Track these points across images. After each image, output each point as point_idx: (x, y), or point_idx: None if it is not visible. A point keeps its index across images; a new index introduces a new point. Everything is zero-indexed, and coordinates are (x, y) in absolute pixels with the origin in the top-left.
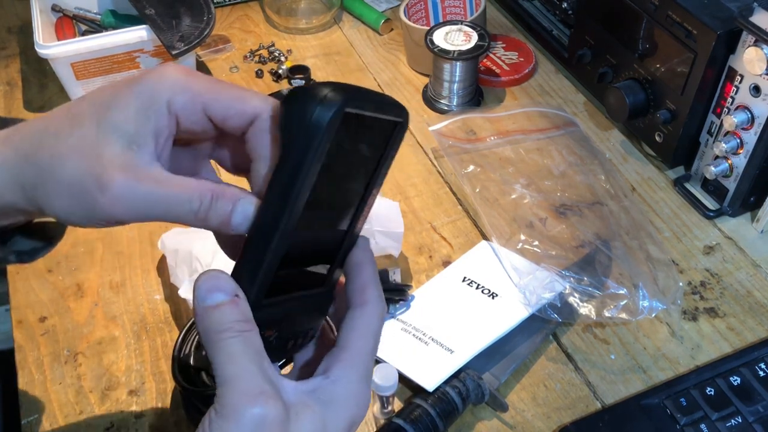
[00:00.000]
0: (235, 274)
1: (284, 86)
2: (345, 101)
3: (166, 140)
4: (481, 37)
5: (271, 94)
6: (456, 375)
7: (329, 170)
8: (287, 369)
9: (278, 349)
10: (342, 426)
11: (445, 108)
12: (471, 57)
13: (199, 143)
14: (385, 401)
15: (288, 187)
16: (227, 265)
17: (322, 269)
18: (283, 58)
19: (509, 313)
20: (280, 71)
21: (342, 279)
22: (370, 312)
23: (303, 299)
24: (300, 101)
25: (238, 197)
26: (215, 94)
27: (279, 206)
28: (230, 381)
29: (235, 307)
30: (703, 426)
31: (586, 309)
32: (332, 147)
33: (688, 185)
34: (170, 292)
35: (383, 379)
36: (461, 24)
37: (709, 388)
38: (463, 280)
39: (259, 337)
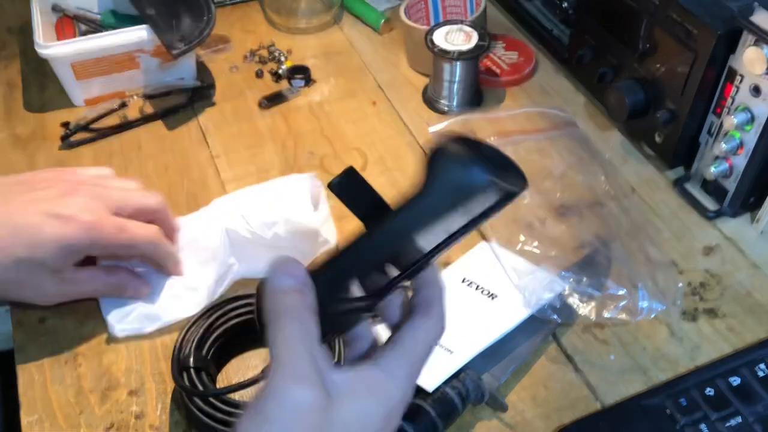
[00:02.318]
0: (312, 270)
1: (284, 86)
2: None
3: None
4: (481, 37)
5: (271, 94)
6: (456, 375)
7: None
8: None
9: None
10: (382, 413)
11: (445, 108)
12: (471, 57)
13: None
14: None
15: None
16: None
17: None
18: (283, 58)
19: (509, 313)
20: (280, 71)
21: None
22: (432, 324)
23: (351, 310)
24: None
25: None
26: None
27: (393, 242)
28: (280, 363)
29: (302, 295)
30: (702, 426)
31: (585, 309)
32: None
33: (687, 186)
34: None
35: None
36: (461, 24)
37: (708, 389)
38: (463, 281)
39: (317, 328)
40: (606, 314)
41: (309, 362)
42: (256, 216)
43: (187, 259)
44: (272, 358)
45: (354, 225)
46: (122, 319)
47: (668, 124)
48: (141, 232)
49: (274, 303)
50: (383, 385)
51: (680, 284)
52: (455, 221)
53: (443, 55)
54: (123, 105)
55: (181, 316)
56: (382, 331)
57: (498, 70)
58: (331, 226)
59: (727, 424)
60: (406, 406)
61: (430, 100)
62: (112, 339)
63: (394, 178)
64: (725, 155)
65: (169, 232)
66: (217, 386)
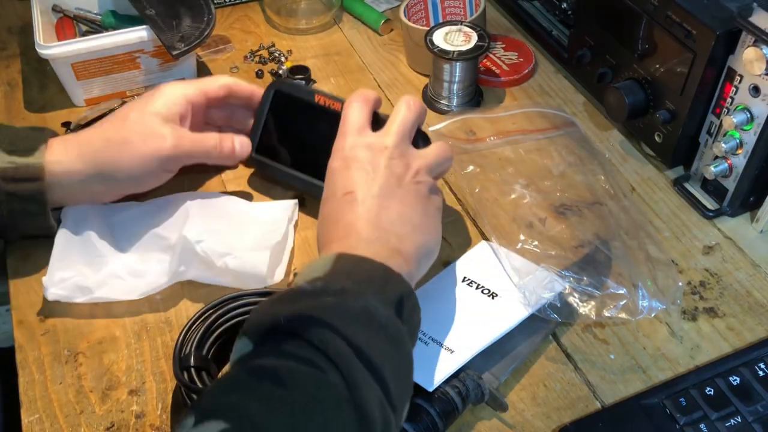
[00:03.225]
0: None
1: None
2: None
3: (187, 117)
4: (480, 37)
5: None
6: (456, 375)
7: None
8: None
9: None
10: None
11: (445, 108)
12: (471, 57)
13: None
14: None
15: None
16: None
17: None
18: (283, 59)
19: (509, 313)
20: (281, 71)
21: None
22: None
23: None
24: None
25: (235, 137)
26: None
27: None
28: (349, 123)
29: (369, 104)
30: (702, 426)
31: (585, 309)
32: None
33: (687, 185)
34: (171, 291)
35: None
36: (461, 24)
37: (708, 388)
38: (463, 280)
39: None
40: (606, 313)
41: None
42: (214, 240)
43: (147, 241)
44: (345, 121)
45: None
46: (58, 284)
47: (668, 124)
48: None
49: (355, 97)
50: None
51: (680, 283)
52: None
53: (443, 55)
54: (123, 105)
55: (112, 297)
56: None
57: (497, 71)
58: (283, 266)
59: (727, 424)
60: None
61: (430, 100)
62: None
63: None
64: (725, 155)
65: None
66: None
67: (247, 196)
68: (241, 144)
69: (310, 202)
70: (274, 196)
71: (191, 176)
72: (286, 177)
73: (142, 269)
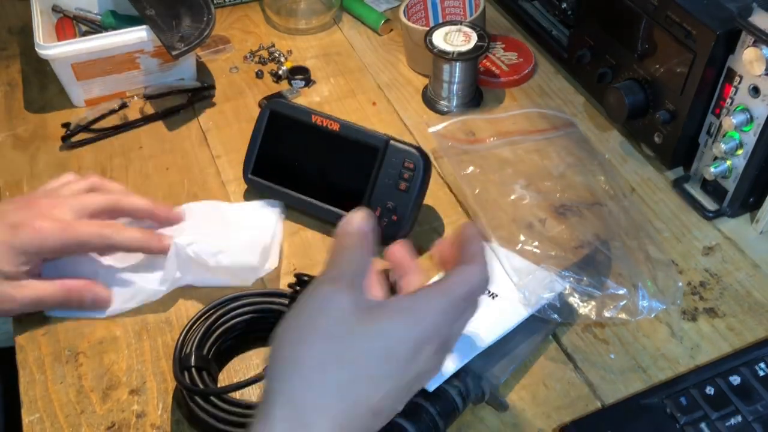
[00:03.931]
0: None
1: (284, 86)
2: None
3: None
4: (480, 37)
5: (272, 95)
6: (456, 375)
7: None
8: None
9: None
10: (410, 337)
11: (445, 109)
12: (470, 58)
13: None
14: None
15: None
16: None
17: None
18: (283, 59)
19: (509, 313)
20: (280, 72)
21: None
22: (473, 269)
23: None
24: None
25: (95, 289)
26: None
27: None
28: (329, 271)
29: (365, 238)
30: (702, 425)
31: (585, 309)
32: None
33: (687, 186)
34: (171, 291)
35: None
36: (461, 24)
37: (708, 388)
38: None
39: (369, 265)
40: (606, 313)
41: (353, 277)
42: (205, 241)
43: (137, 254)
44: (326, 265)
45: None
46: None
47: (667, 125)
48: (84, 229)
49: (342, 239)
50: (418, 311)
51: (680, 284)
52: None
53: (443, 55)
54: (123, 105)
55: (111, 309)
56: None
57: (497, 71)
58: (276, 255)
59: (727, 423)
60: (441, 344)
61: (430, 100)
62: (110, 339)
63: None
64: (724, 155)
65: (156, 217)
66: (219, 385)
67: (249, 199)
68: (95, 299)
69: None
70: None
71: (191, 177)
72: (283, 197)
73: (137, 279)
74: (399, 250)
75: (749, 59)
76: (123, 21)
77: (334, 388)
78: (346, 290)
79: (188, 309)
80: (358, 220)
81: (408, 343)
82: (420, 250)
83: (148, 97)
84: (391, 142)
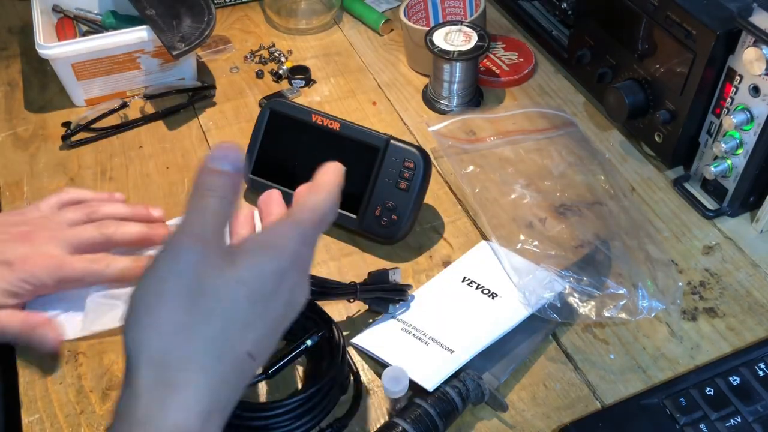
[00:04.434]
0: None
1: (284, 86)
2: None
3: None
4: (480, 37)
5: (272, 95)
6: (456, 375)
7: None
8: None
9: None
10: (274, 269)
11: (445, 108)
12: (471, 57)
13: None
14: (395, 403)
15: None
16: None
17: None
18: (283, 59)
19: (509, 313)
20: (281, 72)
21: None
22: (319, 192)
23: None
24: None
25: (45, 326)
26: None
27: None
28: (186, 225)
29: (231, 179)
30: (702, 426)
31: (585, 309)
32: None
33: (687, 185)
34: None
35: (394, 381)
36: (461, 24)
37: (708, 388)
38: (463, 280)
39: (232, 212)
40: (606, 313)
41: (212, 231)
42: None
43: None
44: (181, 221)
45: None
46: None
47: (668, 124)
48: (78, 266)
49: (203, 178)
50: (274, 244)
51: (680, 283)
52: None
53: (443, 55)
54: (124, 105)
55: (101, 325)
56: None
57: (498, 71)
58: None
59: (727, 424)
60: (302, 271)
61: (430, 100)
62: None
63: None
64: (725, 155)
65: (152, 241)
66: None
67: (249, 198)
68: (42, 340)
69: None
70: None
71: (191, 176)
72: (284, 197)
73: (123, 293)
74: (270, 199)
75: (749, 59)
76: (123, 21)
77: (200, 343)
78: (202, 246)
79: None
80: (218, 159)
81: (270, 279)
82: (420, 249)
83: (148, 97)
84: (392, 141)
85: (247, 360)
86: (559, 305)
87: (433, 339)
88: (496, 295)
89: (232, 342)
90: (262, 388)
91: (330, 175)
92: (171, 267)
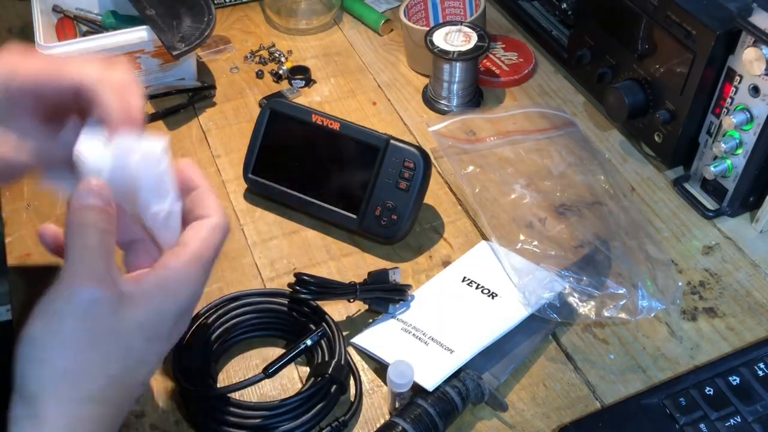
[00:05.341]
0: None
1: (284, 86)
2: None
3: (20, 116)
4: (480, 37)
5: (272, 95)
6: (456, 375)
7: None
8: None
9: None
10: (174, 311)
11: (445, 108)
12: (471, 58)
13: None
14: (399, 398)
15: None
16: None
17: None
18: (283, 59)
19: (509, 313)
20: (281, 72)
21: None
22: (214, 224)
23: None
24: None
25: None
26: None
27: None
28: (76, 264)
29: (105, 213)
30: (702, 426)
31: (585, 309)
32: None
33: (687, 185)
34: None
35: (399, 375)
36: (461, 25)
37: (708, 388)
38: (463, 280)
39: (114, 243)
40: (606, 313)
41: (104, 267)
42: None
43: None
44: (67, 262)
45: None
46: None
47: (667, 124)
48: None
49: (78, 216)
50: (176, 289)
51: (680, 283)
52: None
53: (443, 55)
54: None
55: None
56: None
57: (497, 71)
58: None
59: (727, 424)
60: (199, 295)
61: (430, 100)
62: None
63: None
64: (724, 155)
65: None
66: (218, 386)
67: (249, 198)
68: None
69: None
70: (271, 206)
71: None
72: (284, 197)
73: None
74: (189, 167)
75: (749, 59)
76: (123, 21)
77: (101, 381)
78: (96, 285)
79: None
80: (86, 195)
81: (169, 320)
82: (420, 249)
83: (148, 97)
84: (392, 141)
85: (139, 388)
86: (558, 305)
87: (433, 339)
88: (496, 295)
89: (128, 378)
90: (262, 388)
91: (213, 199)
92: (66, 308)
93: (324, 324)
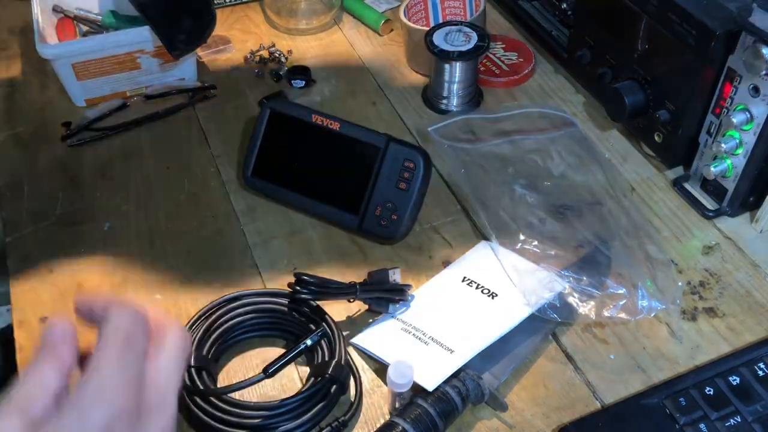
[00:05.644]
0: None
1: (284, 87)
2: None
3: None
4: (480, 37)
5: (272, 95)
6: (456, 375)
7: None
8: None
9: None
10: (99, 421)
11: (445, 108)
12: (471, 57)
13: None
14: (399, 398)
15: None
16: None
17: None
18: (283, 59)
19: (509, 313)
20: (281, 72)
21: None
22: (108, 324)
23: None
24: None
25: None
26: None
27: None
28: (18, 392)
29: (69, 351)
30: (702, 426)
31: (585, 309)
32: None
33: (687, 185)
34: (171, 291)
35: (399, 375)
36: (461, 25)
37: (708, 388)
38: (463, 280)
39: (67, 381)
40: (606, 313)
41: (40, 404)
42: None
43: None
44: (17, 386)
45: None
46: None
47: (668, 124)
48: None
49: (47, 353)
50: (87, 397)
51: (680, 283)
52: None
53: (443, 55)
54: (124, 105)
55: None
56: None
57: (497, 71)
58: None
59: (727, 424)
60: (120, 396)
61: (430, 100)
62: None
63: None
64: (724, 155)
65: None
66: (218, 385)
67: (249, 198)
68: None
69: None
70: (271, 206)
71: (191, 176)
72: (284, 197)
73: None
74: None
75: (749, 59)
76: (123, 21)
77: None
78: (19, 421)
79: (188, 309)
80: (56, 333)
81: (98, 422)
82: (420, 249)
83: (148, 97)
84: (392, 141)
85: None
86: (558, 305)
87: (433, 339)
88: (496, 295)
89: None
90: (262, 388)
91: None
92: None
93: (324, 324)
